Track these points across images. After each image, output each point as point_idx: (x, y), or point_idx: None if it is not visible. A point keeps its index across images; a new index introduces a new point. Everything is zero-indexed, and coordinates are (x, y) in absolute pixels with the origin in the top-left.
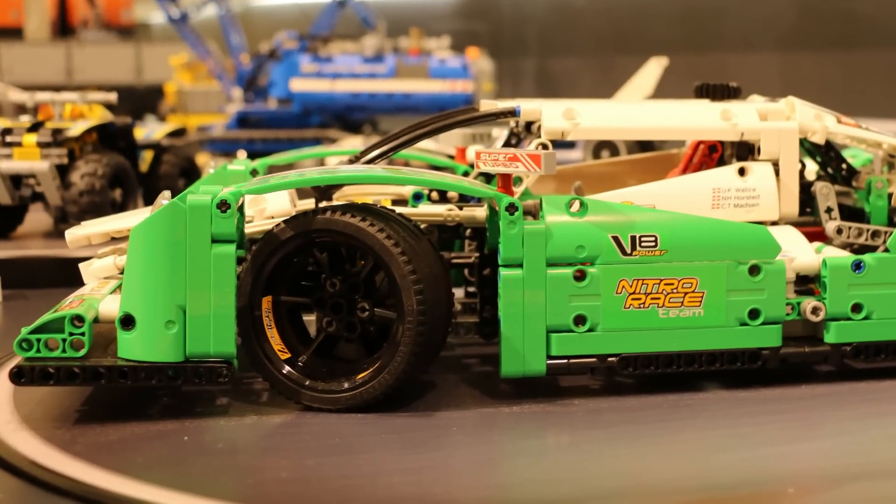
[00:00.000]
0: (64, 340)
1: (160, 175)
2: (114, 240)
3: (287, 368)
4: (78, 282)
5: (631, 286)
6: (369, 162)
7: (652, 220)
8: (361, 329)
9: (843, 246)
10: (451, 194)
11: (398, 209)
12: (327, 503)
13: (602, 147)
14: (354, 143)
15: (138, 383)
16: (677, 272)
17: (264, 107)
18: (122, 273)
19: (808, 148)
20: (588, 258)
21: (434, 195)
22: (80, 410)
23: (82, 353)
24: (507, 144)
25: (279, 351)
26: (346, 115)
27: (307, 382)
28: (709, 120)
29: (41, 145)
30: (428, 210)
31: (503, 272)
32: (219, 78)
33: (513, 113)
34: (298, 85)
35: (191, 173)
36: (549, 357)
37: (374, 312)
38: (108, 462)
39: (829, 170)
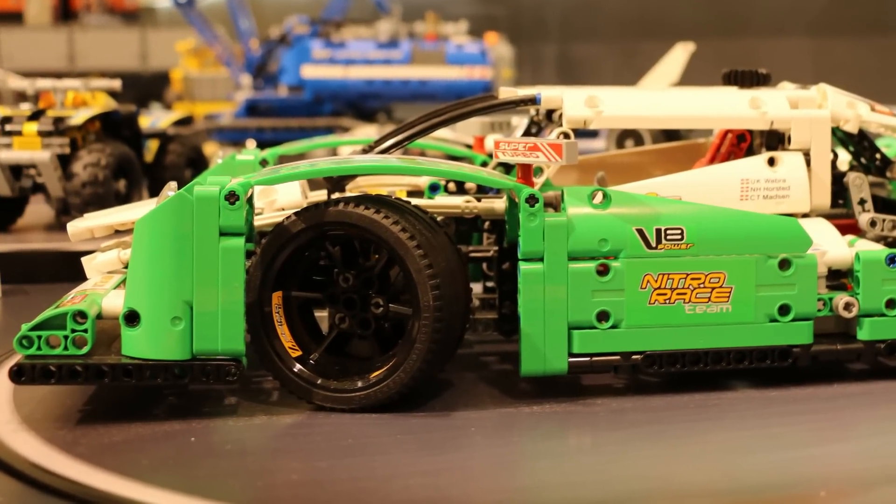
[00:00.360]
0: (66, 337)
1: (166, 165)
2: (118, 233)
3: (298, 367)
4: (80, 276)
5: (656, 281)
6: (384, 152)
7: (678, 212)
8: (375, 326)
9: (878, 239)
10: (469, 185)
11: (414, 201)
12: None
13: (626, 136)
14: (368, 132)
15: (143, 382)
16: (704, 266)
17: (274, 94)
18: (126, 267)
19: (840, 137)
20: (611, 252)
21: (451, 186)
22: (83, 410)
23: (85, 350)
24: (527, 133)
25: (290, 348)
26: (360, 103)
27: (319, 381)
28: (737, 108)
29: (42, 134)
30: (445, 202)
31: (523, 266)
32: (227, 64)
33: (533, 100)
34: (310, 72)
35: (198, 163)
36: (571, 355)
37: (388, 308)
38: (112, 464)
39: (863, 160)
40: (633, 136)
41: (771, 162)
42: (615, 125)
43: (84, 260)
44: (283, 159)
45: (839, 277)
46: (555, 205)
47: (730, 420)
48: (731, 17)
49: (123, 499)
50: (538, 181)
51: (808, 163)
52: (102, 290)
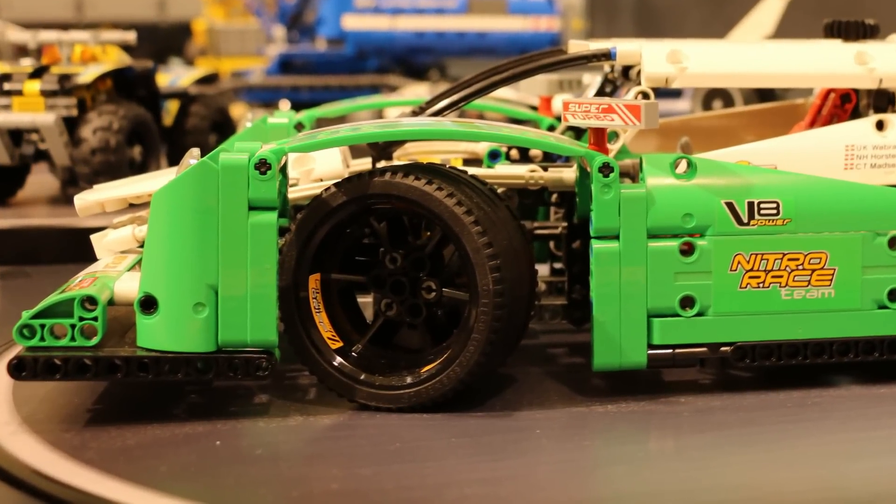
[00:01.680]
0: (73, 326)
1: (187, 129)
2: (132, 206)
3: (339, 360)
4: (89, 257)
5: (748, 262)
6: (436, 114)
7: (773, 183)
8: (427, 313)
9: None
10: (534, 152)
11: (471, 170)
12: None
13: (714, 96)
14: (419, 91)
15: (161, 377)
16: (803, 245)
17: (311, 48)
18: (141, 246)
19: None
20: (697, 228)
21: (514, 153)
22: (92, 410)
23: (95, 341)
24: (600, 93)
25: (329, 339)
26: (409, 59)
27: (362, 376)
28: (841, 64)
29: (46, 94)
30: (506, 171)
31: (596, 245)
32: (257, 14)
33: (607, 56)
34: (352, 22)
35: (224, 127)
36: (651, 346)
37: (442, 293)
38: (126, 471)
39: None
40: (721, 96)
41: (879, 125)
42: (701, 84)
43: (94, 238)
44: (321, 123)
45: None
46: (632, 175)
47: (833, 421)
48: None
49: None
50: (613, 148)
51: None
52: (115, 272)
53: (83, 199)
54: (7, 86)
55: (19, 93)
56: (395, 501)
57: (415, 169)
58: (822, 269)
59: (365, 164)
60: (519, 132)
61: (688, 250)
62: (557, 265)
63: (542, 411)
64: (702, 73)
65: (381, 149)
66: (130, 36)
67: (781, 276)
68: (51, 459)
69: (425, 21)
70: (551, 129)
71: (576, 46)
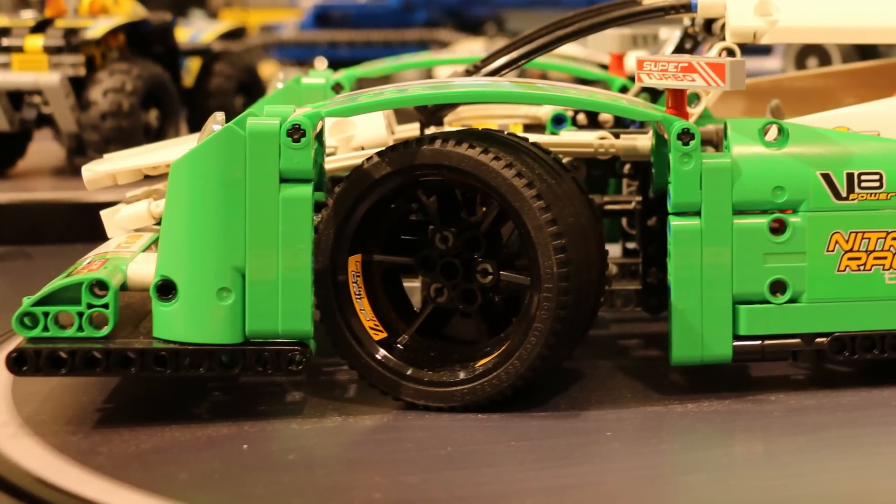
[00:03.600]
0: (80, 315)
1: (210, 91)
2: (147, 178)
3: (382, 353)
4: (99, 235)
5: (847, 241)
6: (493, 74)
7: (876, 152)
8: (483, 299)
9: None
10: (604, 117)
11: (532, 137)
12: None
13: (808, 53)
14: (473, 48)
15: (181, 372)
16: None
17: None
18: (158, 224)
19: None
20: (789, 203)
21: (581, 118)
22: (103, 410)
23: (105, 331)
24: (679, 50)
25: (371, 329)
26: (462, 11)
27: (409, 372)
28: None
29: (50, 51)
30: (573, 138)
31: (674, 222)
32: None
33: (687, 7)
34: None
35: (252, 89)
36: (737, 337)
37: (499, 277)
38: (141, 479)
39: None
40: (817, 52)
41: None
42: (794, 39)
43: (104, 214)
44: (362, 83)
45: None
46: (716, 142)
47: None
48: None
49: None
50: (694, 112)
51: None
52: (128, 253)
53: (92, 171)
54: (6, 41)
55: (20, 49)
56: None
57: (469, 136)
58: None
59: (412, 130)
60: (587, 94)
61: (779, 228)
62: (630, 245)
63: (613, 411)
64: (794, 27)
65: (431, 113)
66: None
67: (885, 258)
68: (56, 465)
69: None
70: (623, 90)
71: None
